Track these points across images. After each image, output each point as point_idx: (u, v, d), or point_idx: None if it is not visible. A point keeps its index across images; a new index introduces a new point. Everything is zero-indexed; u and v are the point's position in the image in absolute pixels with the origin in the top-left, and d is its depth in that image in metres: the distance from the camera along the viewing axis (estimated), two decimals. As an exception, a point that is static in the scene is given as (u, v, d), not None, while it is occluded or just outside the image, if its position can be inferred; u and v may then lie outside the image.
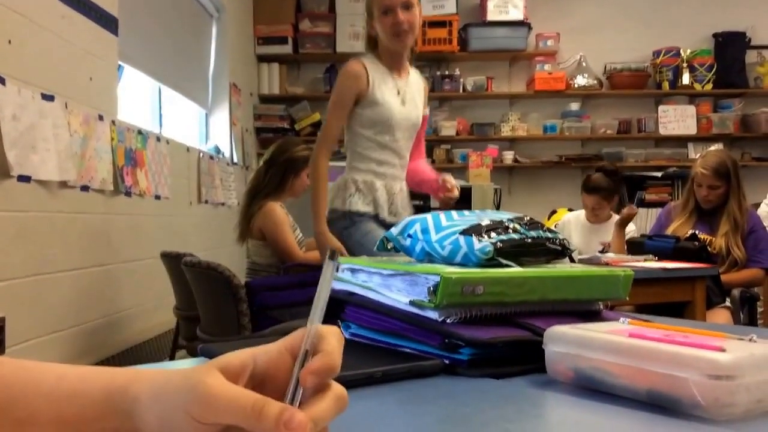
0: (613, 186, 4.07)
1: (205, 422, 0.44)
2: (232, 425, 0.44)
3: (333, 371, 0.45)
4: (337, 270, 1.06)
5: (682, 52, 6.36)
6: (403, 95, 2.81)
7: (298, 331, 0.48)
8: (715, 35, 6.42)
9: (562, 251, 1.11)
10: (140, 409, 0.47)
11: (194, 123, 5.31)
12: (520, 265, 1.00)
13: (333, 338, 0.47)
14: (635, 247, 3.60)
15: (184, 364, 1.03)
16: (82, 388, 0.49)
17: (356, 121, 2.79)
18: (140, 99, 4.30)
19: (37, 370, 0.51)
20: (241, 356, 0.47)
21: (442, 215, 1.09)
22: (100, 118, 3.07)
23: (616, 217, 4.12)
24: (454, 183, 2.85)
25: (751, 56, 6.43)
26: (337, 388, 0.47)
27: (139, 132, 3.57)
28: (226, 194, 5.23)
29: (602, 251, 3.80)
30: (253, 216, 3.38)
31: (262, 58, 6.39)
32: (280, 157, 3.50)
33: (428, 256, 1.06)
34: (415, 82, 2.91)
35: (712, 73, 6.33)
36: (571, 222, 4.26)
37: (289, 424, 0.42)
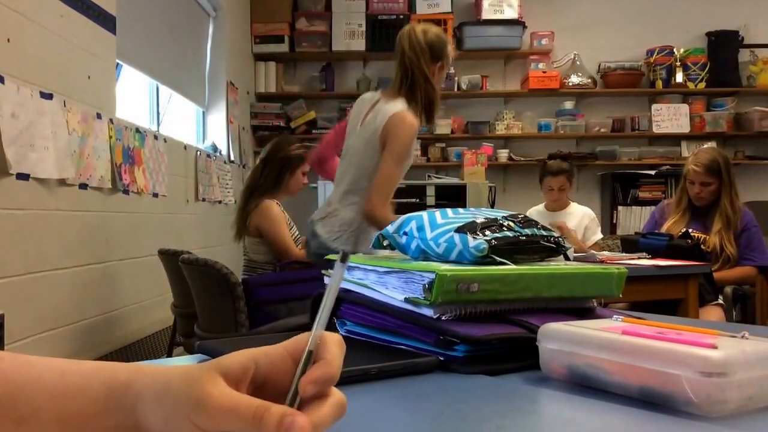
0: (571, 168, 4.44)
1: (208, 430, 0.44)
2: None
3: (332, 380, 0.46)
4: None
5: (675, 50, 6.37)
6: None
7: (302, 335, 0.48)
8: (708, 34, 6.42)
9: (557, 249, 1.11)
10: (142, 407, 0.47)
11: (191, 121, 5.31)
12: (515, 262, 1.00)
13: (334, 346, 0.47)
14: (629, 244, 3.62)
15: (182, 361, 1.04)
16: (84, 385, 0.49)
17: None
18: (138, 97, 4.30)
19: (39, 366, 0.51)
20: (242, 360, 0.47)
21: (437, 213, 1.09)
22: (99, 116, 3.07)
23: (573, 204, 4.32)
24: None
25: (744, 55, 6.44)
26: (338, 395, 0.46)
27: (137, 130, 3.57)
28: (223, 192, 5.23)
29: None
30: (249, 214, 3.38)
31: (259, 57, 6.38)
32: (276, 155, 3.51)
33: (423, 254, 1.06)
34: None
35: (705, 71, 6.34)
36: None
37: (290, 430, 0.42)
